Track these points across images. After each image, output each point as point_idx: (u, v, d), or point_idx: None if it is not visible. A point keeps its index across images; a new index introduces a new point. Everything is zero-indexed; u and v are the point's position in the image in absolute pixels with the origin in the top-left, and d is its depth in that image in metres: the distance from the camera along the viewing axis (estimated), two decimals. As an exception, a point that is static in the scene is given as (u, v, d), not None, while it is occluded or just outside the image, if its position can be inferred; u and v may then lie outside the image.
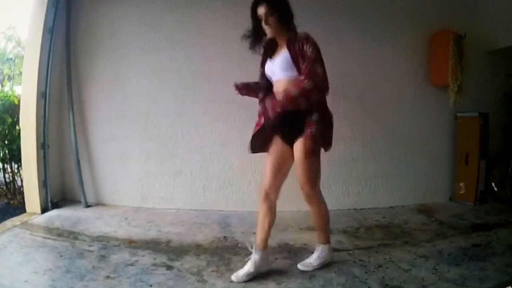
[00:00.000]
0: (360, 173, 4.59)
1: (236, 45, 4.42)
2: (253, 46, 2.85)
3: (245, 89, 2.89)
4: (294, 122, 2.69)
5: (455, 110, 4.64)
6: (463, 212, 4.33)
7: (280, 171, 2.88)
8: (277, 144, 2.85)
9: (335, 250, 3.28)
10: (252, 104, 4.38)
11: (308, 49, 2.63)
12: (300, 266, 2.93)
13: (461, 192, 4.68)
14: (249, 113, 4.41)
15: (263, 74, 2.88)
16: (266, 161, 2.91)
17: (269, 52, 2.83)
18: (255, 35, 2.81)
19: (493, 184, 4.74)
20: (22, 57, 6.13)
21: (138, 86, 4.56)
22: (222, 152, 4.49)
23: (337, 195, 4.55)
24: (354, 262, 3.05)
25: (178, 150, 4.54)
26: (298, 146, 2.72)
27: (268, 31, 2.71)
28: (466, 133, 4.64)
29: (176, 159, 4.56)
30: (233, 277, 2.75)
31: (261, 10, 2.68)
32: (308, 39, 2.68)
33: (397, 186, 4.66)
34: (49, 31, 4.27)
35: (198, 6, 4.45)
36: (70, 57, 4.56)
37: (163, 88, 4.52)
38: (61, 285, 2.63)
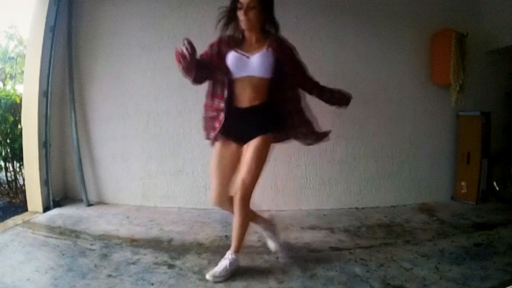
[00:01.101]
0: (361, 172, 4.59)
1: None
2: (223, 29, 2.76)
3: (192, 61, 2.58)
4: (258, 121, 2.69)
5: (457, 109, 4.64)
6: (464, 211, 4.33)
7: (230, 172, 2.83)
8: (228, 143, 2.81)
9: (337, 249, 3.29)
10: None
11: (298, 58, 2.79)
12: (209, 276, 2.69)
13: (462, 191, 4.68)
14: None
15: (208, 61, 2.72)
16: (214, 160, 2.83)
17: (236, 45, 2.71)
18: (227, 20, 2.74)
19: (494, 183, 4.74)
20: (24, 56, 6.13)
21: (140, 85, 4.56)
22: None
23: (338, 194, 4.55)
24: (356, 261, 3.06)
25: (180, 149, 4.54)
26: (255, 144, 2.67)
27: (244, 23, 2.62)
28: (468, 132, 4.63)
29: (178, 158, 4.56)
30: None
31: None
32: (295, 49, 2.76)
33: (398, 185, 4.66)
34: (51, 29, 4.27)
35: (200, 5, 4.44)
36: (72, 55, 4.56)
37: (165, 87, 4.52)
38: (63, 283, 2.63)
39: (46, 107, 4.28)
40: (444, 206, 4.53)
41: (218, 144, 2.81)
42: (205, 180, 4.52)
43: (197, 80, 2.73)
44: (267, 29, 2.73)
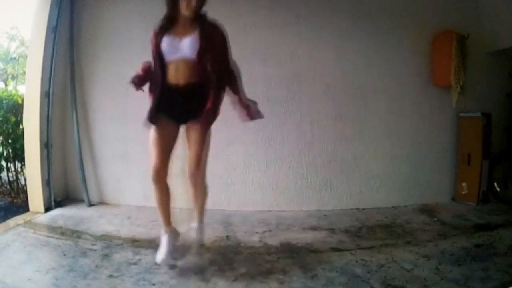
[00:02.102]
0: (362, 173, 4.60)
1: (238, 44, 4.46)
2: (163, 26, 2.86)
3: (141, 82, 2.90)
4: (192, 102, 2.81)
5: (457, 110, 4.65)
6: (465, 212, 4.33)
7: (170, 150, 3.01)
8: (167, 123, 2.92)
9: (338, 249, 3.29)
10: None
11: (225, 46, 2.90)
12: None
13: (463, 192, 4.68)
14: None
15: (158, 48, 2.82)
16: (153, 140, 2.93)
17: (170, 29, 2.83)
18: (167, 14, 2.87)
19: (495, 184, 4.74)
20: (26, 56, 6.15)
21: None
22: (224, 152, 4.49)
23: (339, 194, 4.55)
24: (356, 261, 3.06)
25: (181, 149, 4.54)
26: (196, 126, 2.86)
27: (189, 10, 2.73)
28: (469, 133, 4.64)
29: (179, 158, 4.55)
30: (158, 260, 2.87)
31: None
32: (225, 36, 2.89)
33: (399, 186, 4.66)
34: (53, 30, 4.28)
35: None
36: (74, 56, 4.57)
37: (166, 87, 4.52)
38: (64, 284, 2.64)
39: (48, 108, 4.29)
40: (444, 207, 4.53)
41: (157, 124, 2.90)
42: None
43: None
44: (201, 14, 2.82)
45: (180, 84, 2.77)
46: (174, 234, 3.07)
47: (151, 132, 2.91)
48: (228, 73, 2.93)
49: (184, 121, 2.91)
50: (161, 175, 2.96)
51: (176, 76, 2.77)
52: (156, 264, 2.97)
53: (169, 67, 2.79)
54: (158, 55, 2.80)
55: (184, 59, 2.74)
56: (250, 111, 3.00)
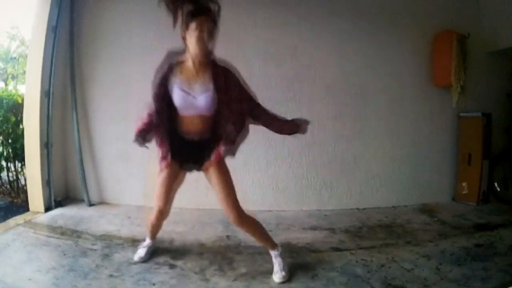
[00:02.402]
0: (362, 173, 4.60)
1: (238, 45, 4.46)
2: (172, 70, 2.67)
3: (146, 137, 2.83)
4: (205, 152, 2.72)
5: (458, 110, 4.65)
6: (465, 212, 4.33)
7: (175, 192, 2.97)
8: (176, 168, 2.84)
9: (338, 249, 3.29)
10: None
11: (242, 85, 2.71)
12: (277, 279, 2.75)
13: (463, 192, 4.68)
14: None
15: (160, 99, 2.66)
16: (162, 182, 2.84)
17: (179, 74, 2.62)
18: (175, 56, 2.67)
19: (495, 184, 4.74)
20: (26, 56, 6.15)
21: (142, 85, 4.53)
22: (224, 152, 4.50)
23: (339, 194, 4.55)
24: (357, 261, 3.06)
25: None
26: (214, 173, 2.76)
27: (200, 51, 2.49)
28: (469, 133, 4.64)
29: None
30: (135, 258, 3.05)
31: (203, 24, 2.46)
32: (238, 74, 2.72)
33: (399, 186, 4.66)
34: (53, 30, 4.28)
35: (202, 6, 4.46)
36: (74, 56, 4.57)
37: (166, 87, 4.52)
38: (64, 283, 2.64)
39: (48, 108, 4.28)
40: (445, 207, 4.53)
41: (167, 170, 2.82)
42: (206, 181, 4.51)
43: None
44: (211, 52, 2.59)
45: (194, 139, 2.69)
46: (151, 248, 3.21)
47: (160, 177, 2.83)
48: (256, 106, 2.81)
49: (195, 168, 2.85)
50: (164, 213, 2.98)
51: (189, 129, 2.66)
52: (156, 263, 2.98)
53: (181, 119, 2.66)
54: (167, 104, 2.63)
55: (200, 115, 2.61)
56: (301, 124, 2.86)
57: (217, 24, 2.51)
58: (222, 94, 2.56)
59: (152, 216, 3.00)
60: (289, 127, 2.87)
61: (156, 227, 3.14)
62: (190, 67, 2.59)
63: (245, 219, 2.79)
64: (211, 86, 2.54)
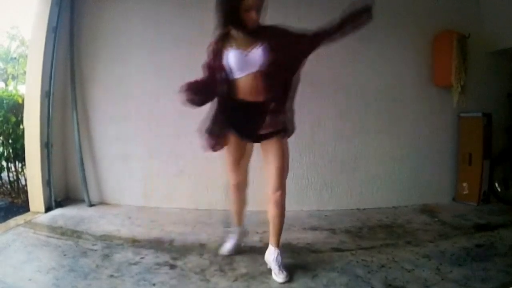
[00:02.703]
0: (363, 173, 4.59)
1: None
2: (227, 39, 2.69)
3: (194, 91, 2.74)
4: (263, 117, 2.69)
5: (458, 110, 4.64)
6: (466, 212, 4.33)
7: (244, 162, 3.07)
8: (236, 139, 2.86)
9: (338, 250, 3.29)
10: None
11: (293, 32, 2.69)
12: (282, 279, 2.73)
13: (464, 193, 4.68)
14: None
15: (213, 67, 2.73)
16: (226, 156, 3.00)
17: (234, 42, 2.66)
18: (230, 27, 2.67)
19: (496, 184, 4.73)
20: (26, 56, 6.14)
21: (142, 86, 4.57)
22: (224, 152, 4.49)
23: (340, 195, 4.55)
24: (357, 262, 3.05)
25: (182, 149, 4.54)
26: (273, 146, 2.75)
27: (251, 22, 2.56)
28: (469, 133, 4.63)
29: (179, 158, 4.56)
30: (223, 251, 3.16)
31: (255, 2, 2.53)
32: (285, 27, 2.70)
33: (400, 186, 4.66)
34: (53, 30, 4.28)
35: (202, 6, 4.44)
36: (74, 56, 4.57)
37: (167, 87, 4.50)
38: (64, 284, 2.64)
39: (48, 108, 4.29)
40: (445, 207, 4.53)
41: (230, 142, 2.89)
42: (206, 181, 4.53)
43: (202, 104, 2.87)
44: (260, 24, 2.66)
45: (250, 100, 2.67)
46: (242, 234, 3.31)
47: (226, 150, 2.95)
48: (314, 37, 2.78)
49: (255, 138, 2.81)
50: (240, 187, 3.12)
51: (245, 91, 2.65)
52: (156, 264, 2.98)
53: (236, 82, 2.66)
54: (222, 69, 2.67)
55: (255, 74, 2.62)
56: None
57: None
58: (274, 48, 2.60)
59: (232, 197, 3.14)
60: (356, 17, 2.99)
61: (239, 207, 3.21)
62: (240, 34, 2.65)
63: (283, 203, 2.81)
64: (261, 42, 2.60)
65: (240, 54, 2.61)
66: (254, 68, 2.61)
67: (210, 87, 2.75)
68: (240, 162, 2.97)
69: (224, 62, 2.65)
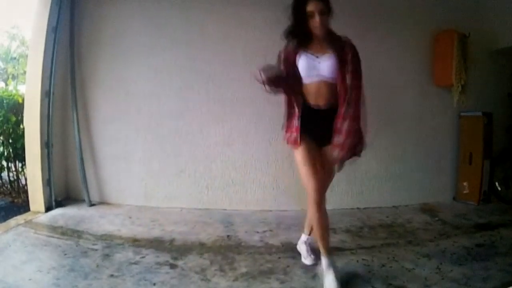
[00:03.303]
0: (363, 173, 4.59)
1: (239, 45, 4.46)
2: (298, 44, 2.73)
3: (275, 80, 2.61)
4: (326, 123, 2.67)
5: (458, 109, 4.64)
6: (466, 211, 4.33)
7: (321, 170, 2.80)
8: (311, 144, 2.77)
9: (339, 249, 3.29)
10: (255, 103, 4.41)
11: (354, 60, 2.67)
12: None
13: (464, 192, 4.68)
14: (252, 113, 4.44)
15: (288, 66, 2.74)
16: (304, 163, 2.76)
17: (306, 47, 2.71)
18: (300, 33, 2.70)
19: (496, 184, 4.73)
20: (26, 56, 6.14)
21: (142, 86, 4.57)
22: (225, 151, 4.50)
23: (340, 194, 4.55)
24: (358, 261, 3.06)
25: (182, 149, 4.55)
26: (333, 152, 2.66)
27: (318, 28, 2.61)
28: (470, 133, 4.63)
29: (180, 158, 4.57)
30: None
31: (315, 7, 2.58)
32: (355, 49, 2.73)
33: (400, 185, 4.66)
34: (53, 30, 4.28)
35: (202, 6, 4.46)
36: (74, 56, 4.57)
37: (167, 87, 4.53)
38: (65, 283, 2.64)
39: (48, 107, 4.28)
40: (446, 207, 4.53)
41: (302, 145, 2.76)
42: (207, 180, 4.53)
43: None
44: (331, 31, 2.72)
45: (320, 106, 2.69)
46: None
47: (299, 156, 2.79)
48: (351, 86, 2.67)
49: (324, 143, 2.73)
50: (323, 198, 2.88)
51: (316, 97, 2.69)
52: (156, 263, 2.98)
53: (307, 87, 2.71)
54: (293, 72, 2.71)
55: (325, 80, 2.65)
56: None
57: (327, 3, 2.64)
58: (342, 59, 2.64)
59: (315, 217, 2.87)
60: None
61: (326, 228, 2.90)
62: (313, 40, 2.71)
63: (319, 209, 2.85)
64: (332, 51, 2.66)
65: (311, 60, 2.67)
66: (322, 75, 2.65)
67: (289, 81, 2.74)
68: (317, 168, 2.76)
69: (297, 65, 2.71)
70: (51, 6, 4.21)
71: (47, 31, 4.21)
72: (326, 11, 2.62)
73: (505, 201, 4.64)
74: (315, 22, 2.60)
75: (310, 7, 2.59)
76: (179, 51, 4.49)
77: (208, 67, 4.47)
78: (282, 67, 2.75)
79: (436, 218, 4.14)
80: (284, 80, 2.68)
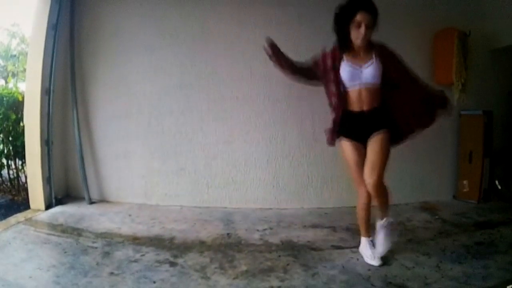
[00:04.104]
0: (363, 171, 4.58)
1: (239, 43, 4.46)
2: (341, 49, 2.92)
3: (278, 54, 2.94)
4: (375, 124, 2.91)
5: (459, 108, 4.62)
6: (466, 210, 4.32)
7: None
8: (354, 142, 2.96)
9: (339, 247, 3.29)
10: (255, 101, 4.41)
11: (399, 61, 3.01)
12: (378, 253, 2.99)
13: (464, 190, 4.67)
14: (252, 111, 4.44)
15: (324, 72, 2.95)
16: (351, 160, 2.99)
17: (348, 57, 2.88)
18: (342, 40, 2.90)
19: (496, 182, 4.72)
20: (26, 54, 6.13)
21: (142, 84, 4.57)
22: (225, 150, 4.50)
23: (340, 192, 4.54)
24: (358, 259, 3.06)
25: (182, 147, 4.55)
26: (378, 139, 2.90)
27: (361, 39, 2.79)
28: (470, 131, 4.62)
29: (180, 156, 4.57)
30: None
31: (365, 17, 2.77)
32: (396, 53, 3.01)
33: (400, 183, 4.64)
34: (53, 28, 4.28)
35: (202, 5, 4.45)
36: (74, 54, 4.57)
37: (167, 85, 4.53)
38: (65, 281, 2.64)
39: (48, 105, 4.29)
40: (446, 205, 4.52)
41: (346, 144, 2.98)
42: (207, 179, 4.53)
43: (293, 78, 3.18)
44: (371, 41, 2.91)
45: (364, 110, 2.88)
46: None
47: (346, 152, 3.00)
48: (411, 80, 3.07)
49: (366, 139, 2.94)
50: (368, 206, 3.10)
51: (359, 102, 2.87)
52: (157, 261, 2.98)
53: (349, 94, 2.89)
54: (335, 79, 2.89)
55: (367, 86, 2.84)
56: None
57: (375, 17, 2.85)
58: (384, 65, 2.88)
59: (360, 213, 3.18)
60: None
61: (367, 221, 3.16)
62: (354, 50, 2.90)
63: (381, 188, 2.91)
64: (372, 59, 2.87)
65: (353, 69, 2.85)
66: (364, 82, 2.84)
67: (305, 71, 3.08)
68: (361, 165, 2.95)
69: (339, 73, 2.88)
70: (51, 4, 4.22)
71: (47, 29, 4.22)
72: (372, 24, 2.82)
73: (505, 199, 4.63)
74: (360, 34, 2.80)
75: (359, 18, 2.77)
76: (180, 49, 4.49)
77: (209, 65, 4.47)
78: (316, 61, 3.01)
79: (436, 217, 4.14)
80: (286, 60, 2.97)
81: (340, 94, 2.89)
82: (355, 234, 3.63)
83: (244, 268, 2.90)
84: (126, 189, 4.67)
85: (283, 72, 3.06)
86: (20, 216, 4.02)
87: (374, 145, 2.89)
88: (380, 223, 3.00)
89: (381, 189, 2.90)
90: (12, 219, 3.94)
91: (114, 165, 4.68)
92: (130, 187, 4.66)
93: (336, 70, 2.88)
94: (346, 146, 2.97)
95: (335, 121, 2.98)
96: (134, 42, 4.54)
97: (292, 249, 3.26)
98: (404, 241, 3.45)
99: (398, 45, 4.51)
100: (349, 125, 2.93)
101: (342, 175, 4.54)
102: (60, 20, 4.35)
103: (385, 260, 2.96)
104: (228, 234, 3.63)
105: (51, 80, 4.30)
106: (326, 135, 3.07)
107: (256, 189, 4.51)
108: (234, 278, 2.74)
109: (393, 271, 2.83)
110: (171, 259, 3.05)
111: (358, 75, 2.83)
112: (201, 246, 3.34)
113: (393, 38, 4.52)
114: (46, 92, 4.26)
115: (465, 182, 4.66)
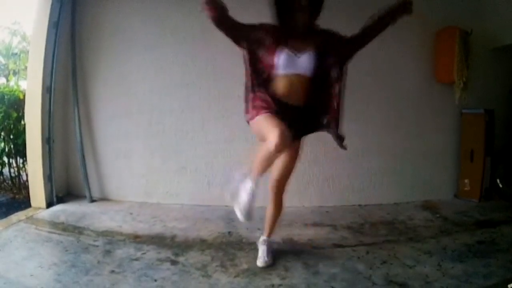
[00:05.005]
0: (364, 169, 4.58)
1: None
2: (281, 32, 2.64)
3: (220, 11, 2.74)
4: (301, 120, 2.71)
5: (460, 106, 4.62)
6: (467, 208, 4.32)
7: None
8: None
9: (340, 246, 3.29)
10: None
11: (342, 36, 2.79)
12: (260, 263, 2.92)
13: (466, 189, 4.67)
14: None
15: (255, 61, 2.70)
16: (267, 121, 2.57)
17: (287, 39, 2.61)
18: (281, 22, 2.64)
19: (498, 181, 4.72)
20: (27, 52, 6.14)
21: (143, 82, 4.57)
22: (226, 148, 4.50)
23: (341, 191, 4.54)
24: (358, 258, 3.06)
25: (183, 146, 4.55)
26: (297, 148, 2.87)
27: (304, 22, 2.60)
28: (472, 130, 4.62)
29: (181, 155, 4.57)
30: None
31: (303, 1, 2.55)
32: (337, 32, 2.77)
33: (401, 182, 4.65)
34: (54, 26, 4.27)
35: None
36: (75, 52, 4.56)
37: (168, 84, 4.52)
38: (66, 279, 2.65)
39: (50, 103, 4.28)
40: (447, 204, 4.52)
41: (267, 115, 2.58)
42: (208, 177, 4.53)
43: (218, 25, 2.85)
44: (314, 25, 2.70)
45: (291, 100, 2.64)
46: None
47: (260, 120, 2.63)
48: (350, 41, 2.87)
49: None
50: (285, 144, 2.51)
51: (288, 90, 2.61)
52: (158, 260, 2.98)
53: (280, 79, 2.63)
54: (268, 60, 2.63)
55: (301, 75, 2.61)
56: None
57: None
58: (324, 55, 2.66)
59: (264, 157, 2.73)
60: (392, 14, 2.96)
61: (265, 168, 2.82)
62: (294, 33, 2.65)
63: (281, 191, 2.98)
64: (312, 47, 2.62)
65: (291, 55, 2.59)
66: (301, 71, 2.61)
67: (236, 31, 2.88)
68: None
69: (275, 58, 2.60)
70: (52, 2, 4.21)
71: (48, 27, 4.21)
72: (313, 9, 2.64)
73: (506, 198, 4.63)
74: (301, 19, 2.60)
75: (300, 3, 2.58)
76: (181, 48, 4.49)
77: (210, 64, 4.46)
78: (255, 26, 2.79)
79: (437, 215, 4.14)
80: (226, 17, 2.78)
81: (269, 78, 2.63)
82: (356, 232, 3.65)
83: (245, 266, 2.90)
84: (127, 187, 4.67)
85: (210, 13, 2.77)
86: (21, 214, 4.01)
87: (292, 150, 2.80)
88: (261, 238, 3.11)
89: (278, 196, 2.98)
90: (13, 217, 3.94)
91: (115, 163, 4.68)
92: (131, 185, 4.66)
93: (272, 48, 2.60)
94: (266, 116, 2.57)
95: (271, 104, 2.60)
96: (135, 41, 4.54)
97: (293, 247, 3.26)
98: (405, 239, 3.45)
99: (399, 44, 4.58)
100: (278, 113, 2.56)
101: (343, 173, 4.55)
102: (61, 19, 4.34)
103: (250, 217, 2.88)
104: (229, 232, 3.63)
105: (52, 78, 4.29)
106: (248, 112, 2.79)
107: (256, 187, 4.50)
108: (235, 276, 2.74)
109: (394, 270, 2.83)
110: (172, 257, 3.05)
111: (294, 62, 2.57)
112: (202, 244, 3.34)
113: (394, 37, 4.55)
114: (47, 90, 4.26)
115: (466, 180, 4.66)
